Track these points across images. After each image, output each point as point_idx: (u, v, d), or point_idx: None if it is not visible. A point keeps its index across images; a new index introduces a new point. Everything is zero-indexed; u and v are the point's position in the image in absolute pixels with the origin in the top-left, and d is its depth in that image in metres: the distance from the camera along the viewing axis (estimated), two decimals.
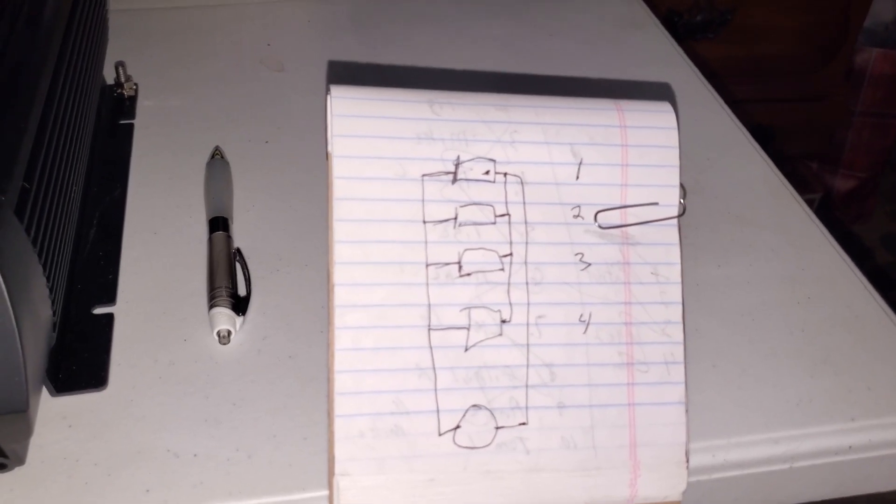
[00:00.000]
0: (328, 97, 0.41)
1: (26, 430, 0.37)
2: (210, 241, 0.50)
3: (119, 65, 0.63)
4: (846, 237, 1.36)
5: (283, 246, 0.52)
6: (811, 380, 0.45)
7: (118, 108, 0.63)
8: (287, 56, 0.70)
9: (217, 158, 0.57)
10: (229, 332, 0.45)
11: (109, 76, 0.64)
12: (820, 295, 0.50)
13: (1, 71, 0.40)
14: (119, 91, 0.64)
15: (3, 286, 0.33)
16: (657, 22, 0.75)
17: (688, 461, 0.40)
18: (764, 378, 0.45)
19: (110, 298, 0.48)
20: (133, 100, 0.64)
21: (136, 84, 0.64)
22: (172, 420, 0.42)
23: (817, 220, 0.55)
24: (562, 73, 0.69)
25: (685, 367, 0.41)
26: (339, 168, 0.40)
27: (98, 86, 0.59)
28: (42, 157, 0.40)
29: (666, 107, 0.44)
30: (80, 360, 0.44)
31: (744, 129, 0.63)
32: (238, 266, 0.49)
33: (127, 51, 0.67)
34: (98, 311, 0.47)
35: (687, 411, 0.40)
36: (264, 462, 0.40)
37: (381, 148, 0.41)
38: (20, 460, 0.39)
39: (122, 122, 0.62)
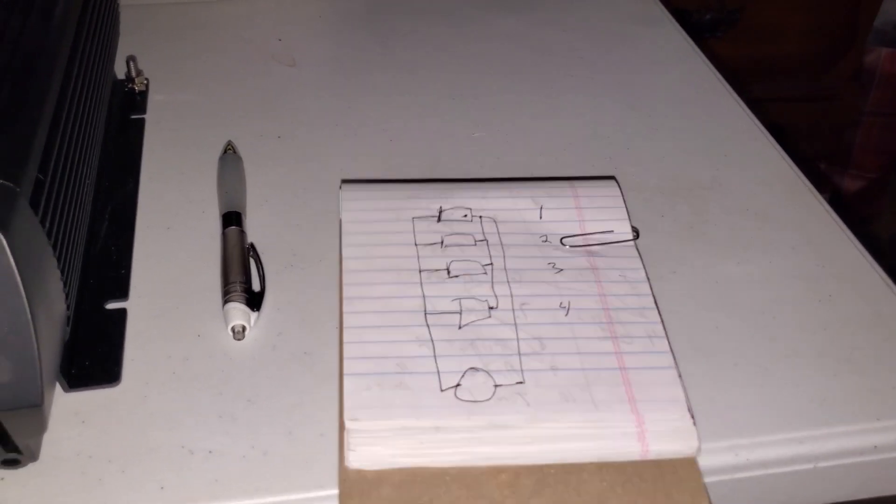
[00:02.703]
0: (339, 190, 0.52)
1: (40, 426, 0.37)
2: (224, 235, 0.49)
3: (130, 59, 0.63)
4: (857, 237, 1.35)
5: (297, 241, 0.51)
6: (834, 379, 0.44)
7: (129, 102, 0.62)
8: (299, 51, 0.69)
9: (230, 153, 0.56)
10: (244, 328, 0.45)
11: (120, 71, 0.64)
12: (841, 293, 0.49)
13: (15, 63, 0.40)
14: (130, 86, 0.63)
15: (18, 278, 0.32)
16: (672, 19, 0.75)
17: (693, 419, 0.40)
18: (786, 377, 0.44)
19: (123, 293, 0.47)
20: (144, 94, 0.63)
21: (146, 79, 0.64)
22: (187, 416, 0.41)
23: (837, 218, 0.54)
24: (575, 69, 0.68)
25: (669, 343, 0.44)
26: (346, 216, 0.50)
27: (110, 80, 0.59)
28: (56, 148, 0.39)
29: (611, 182, 0.54)
30: (94, 356, 0.43)
31: (761, 126, 0.62)
32: (252, 261, 0.49)
33: (138, 45, 0.66)
34: (111, 306, 0.46)
35: (681, 376, 0.40)
36: (280, 459, 0.39)
37: (378, 203, 0.51)
38: (33, 456, 0.38)
39: (133, 116, 0.61)
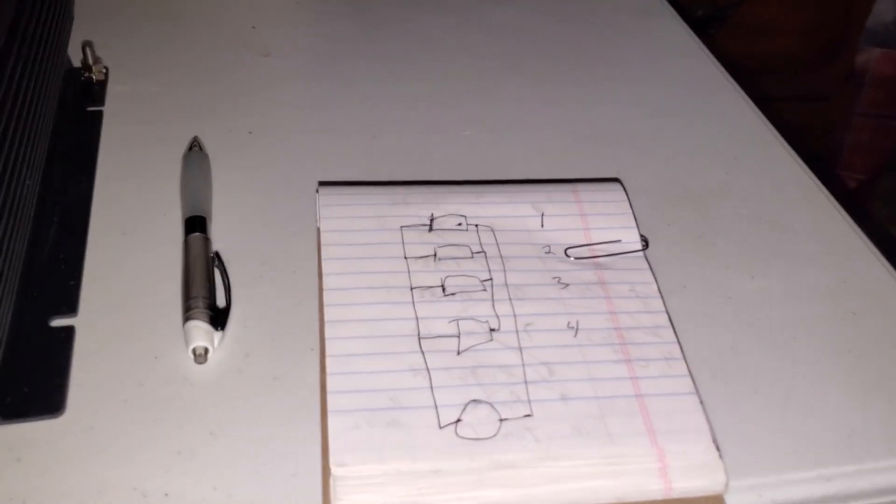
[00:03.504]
0: (316, 194, 0.47)
1: None
2: (186, 243, 0.44)
3: (86, 45, 0.57)
4: None
5: (268, 250, 0.46)
6: (863, 408, 0.40)
7: (86, 93, 0.57)
8: (273, 40, 0.64)
9: (195, 150, 0.51)
10: (206, 350, 0.40)
11: (76, 58, 0.58)
12: (866, 311, 0.45)
13: None
14: (87, 75, 0.58)
15: None
16: (673, 11, 0.70)
17: (719, 451, 0.36)
18: (811, 406, 0.40)
19: (71, 308, 0.42)
20: (102, 84, 0.58)
21: (105, 67, 0.58)
22: (140, 452, 0.36)
23: (857, 228, 0.50)
24: (573, 63, 0.63)
25: (687, 365, 0.40)
26: (325, 224, 0.45)
27: (61, 67, 0.53)
28: None
29: (615, 185, 0.49)
30: (34, 382, 0.38)
31: (770, 126, 0.58)
32: (217, 272, 0.44)
33: (96, 31, 0.61)
34: (56, 322, 0.41)
35: (703, 403, 0.37)
36: (247, 502, 0.34)
37: (361, 210, 0.45)
38: None
39: (89, 108, 0.56)
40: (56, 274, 0.43)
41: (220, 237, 0.46)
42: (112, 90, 0.57)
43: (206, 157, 0.51)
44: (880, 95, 1.50)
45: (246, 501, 0.34)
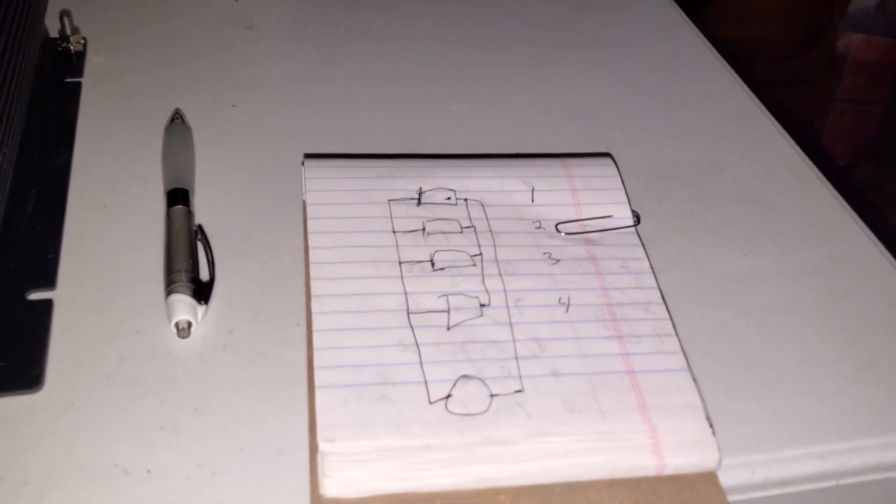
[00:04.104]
0: (302, 166, 0.46)
1: None
2: (168, 216, 0.43)
3: (64, 14, 0.56)
4: None
5: (252, 224, 0.45)
6: (855, 386, 0.40)
7: (63, 64, 0.55)
8: (257, 13, 0.63)
9: (177, 122, 0.50)
10: (189, 324, 0.39)
11: (53, 27, 0.56)
12: (858, 291, 0.45)
13: None
14: (64, 45, 0.56)
15: None
16: None
17: (712, 427, 0.36)
18: (803, 384, 0.40)
19: (49, 282, 0.40)
20: (81, 56, 0.56)
21: (84, 38, 0.57)
22: (121, 428, 0.35)
23: (849, 207, 0.50)
24: (561, 40, 0.62)
25: (679, 342, 0.39)
26: (311, 197, 0.44)
27: (38, 36, 0.52)
28: None
29: (607, 160, 0.48)
30: (11, 356, 0.37)
31: (762, 106, 0.58)
32: (200, 246, 0.42)
33: (74, 0, 0.59)
34: (34, 296, 0.40)
35: (695, 380, 0.36)
36: (231, 480, 0.34)
37: (347, 183, 0.45)
38: None
39: (67, 80, 0.54)
40: (33, 247, 0.42)
41: (204, 211, 0.45)
42: (91, 62, 0.56)
43: (188, 129, 0.49)
44: (860, 81, 1.50)
45: (231, 479, 0.34)
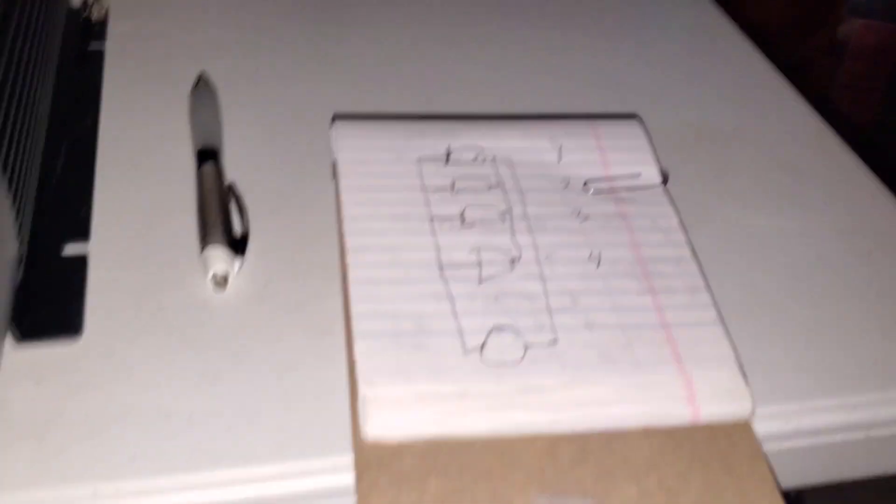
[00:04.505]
0: (331, 127, 0.46)
1: None
2: (199, 174, 0.43)
3: None
4: None
5: (283, 184, 0.45)
6: (885, 341, 0.40)
7: (86, 32, 0.55)
8: None
9: (202, 85, 0.50)
10: (226, 276, 0.39)
11: None
12: (882, 250, 0.45)
13: None
14: (87, 14, 0.56)
15: None
16: None
17: (745, 378, 0.36)
18: (833, 338, 0.40)
19: (83, 237, 0.41)
20: (103, 24, 0.56)
21: (106, 7, 0.57)
22: (162, 375, 0.35)
23: (869, 170, 0.50)
24: (580, 8, 0.63)
25: (711, 295, 0.40)
26: (342, 155, 0.44)
27: (63, 7, 0.52)
28: None
29: (634, 122, 0.49)
30: (50, 305, 0.37)
31: (780, 74, 0.58)
32: (233, 203, 0.43)
33: None
34: (69, 250, 0.40)
35: (728, 333, 0.37)
36: (272, 425, 0.34)
37: (377, 143, 0.45)
38: None
39: (91, 48, 0.54)
40: (66, 203, 0.42)
41: (233, 172, 0.45)
42: (114, 30, 0.56)
43: (214, 91, 0.50)
44: (860, 66, 1.51)
45: (273, 423, 0.34)
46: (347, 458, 0.33)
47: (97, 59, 0.53)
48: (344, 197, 0.42)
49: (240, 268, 0.40)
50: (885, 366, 0.39)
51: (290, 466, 0.33)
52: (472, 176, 0.44)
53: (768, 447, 0.36)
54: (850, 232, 0.46)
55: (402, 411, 0.33)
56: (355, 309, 0.37)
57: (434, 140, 0.45)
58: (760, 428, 0.36)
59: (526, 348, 0.36)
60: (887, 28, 1.49)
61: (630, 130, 0.47)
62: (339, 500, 0.33)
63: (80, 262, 0.39)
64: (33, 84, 0.41)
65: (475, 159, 0.45)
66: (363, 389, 0.34)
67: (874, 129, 1.61)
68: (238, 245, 0.40)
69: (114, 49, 0.54)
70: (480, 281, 0.39)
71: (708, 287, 0.40)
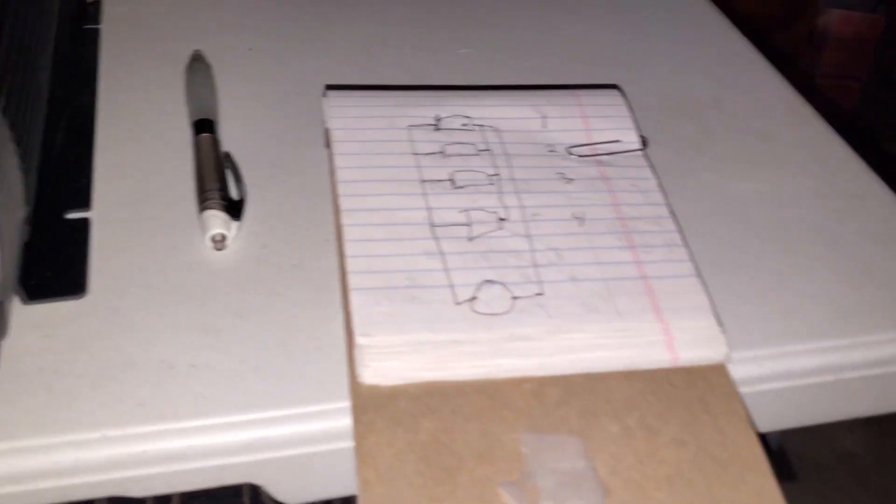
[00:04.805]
0: (324, 97, 0.48)
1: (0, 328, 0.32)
2: (196, 142, 0.45)
3: None
4: None
5: (277, 153, 0.47)
6: (854, 290, 0.42)
7: (80, 12, 0.57)
8: None
9: (198, 60, 0.51)
10: (224, 237, 0.40)
11: None
12: (851, 210, 0.47)
13: None
14: None
15: None
16: None
17: (721, 325, 0.38)
18: (805, 289, 0.42)
19: (84, 202, 0.42)
20: (97, 4, 0.58)
21: None
22: (165, 330, 0.37)
23: (840, 137, 0.52)
24: None
25: (689, 250, 0.42)
26: (334, 123, 0.46)
27: None
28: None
29: (614, 91, 0.51)
30: (55, 267, 0.39)
31: (757, 51, 0.60)
32: (228, 170, 0.44)
33: None
34: (72, 215, 0.41)
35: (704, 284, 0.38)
36: (273, 374, 0.36)
37: (368, 111, 0.47)
38: None
39: (86, 27, 0.56)
40: (67, 173, 0.44)
41: (229, 143, 0.47)
42: (108, 10, 0.57)
43: (209, 66, 0.51)
44: (840, 57, 1.54)
45: (273, 372, 0.36)
46: (345, 404, 0.35)
47: (92, 39, 0.55)
48: (338, 161, 0.43)
49: (238, 231, 0.41)
50: (852, 314, 0.41)
51: (291, 412, 0.35)
52: (461, 142, 0.46)
53: (744, 390, 0.38)
54: (822, 194, 0.48)
55: (396, 358, 0.35)
56: (350, 266, 0.38)
57: (424, 108, 0.47)
58: (736, 372, 0.38)
59: (514, 300, 0.38)
60: (865, 18, 1.52)
61: (611, 99, 0.49)
62: (338, 442, 0.35)
63: (83, 226, 0.41)
64: (34, 59, 0.43)
65: (464, 126, 0.47)
66: (359, 339, 0.35)
67: (855, 117, 1.63)
68: (235, 209, 0.42)
69: (109, 30, 0.56)
70: (470, 239, 0.41)
71: (686, 243, 0.42)
